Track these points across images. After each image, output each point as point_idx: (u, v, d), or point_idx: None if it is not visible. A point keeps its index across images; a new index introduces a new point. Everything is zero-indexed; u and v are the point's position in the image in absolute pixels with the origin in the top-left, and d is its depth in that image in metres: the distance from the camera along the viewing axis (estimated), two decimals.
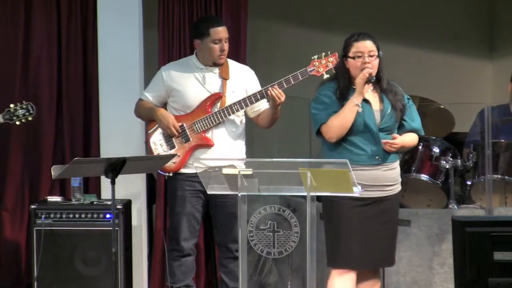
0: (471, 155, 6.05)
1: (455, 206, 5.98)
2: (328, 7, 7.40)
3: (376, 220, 4.76)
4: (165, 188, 6.17)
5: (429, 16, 7.53)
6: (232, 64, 5.51)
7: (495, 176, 5.85)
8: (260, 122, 5.48)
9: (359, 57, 4.75)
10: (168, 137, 5.41)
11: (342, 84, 4.80)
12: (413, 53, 7.44)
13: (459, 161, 6.02)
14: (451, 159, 6.01)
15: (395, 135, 4.78)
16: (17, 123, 5.41)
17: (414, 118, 4.88)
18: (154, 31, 6.26)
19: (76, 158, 4.90)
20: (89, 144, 6.23)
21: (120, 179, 4.94)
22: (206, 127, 5.36)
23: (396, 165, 4.86)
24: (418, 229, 5.78)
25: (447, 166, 6.00)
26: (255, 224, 4.51)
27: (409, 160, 6.08)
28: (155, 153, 5.41)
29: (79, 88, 6.24)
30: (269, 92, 5.20)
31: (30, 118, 5.41)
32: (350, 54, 4.77)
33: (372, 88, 4.82)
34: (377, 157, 4.73)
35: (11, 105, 5.39)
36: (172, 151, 5.36)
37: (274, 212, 4.51)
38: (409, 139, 4.88)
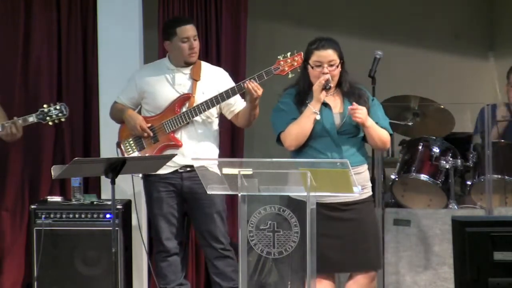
0: (471, 155, 6.05)
1: (455, 206, 5.98)
2: (328, 7, 7.40)
3: (345, 224, 4.72)
4: None
5: (429, 16, 7.52)
6: (205, 65, 5.53)
7: (495, 176, 5.85)
8: (239, 121, 5.48)
9: (318, 66, 4.75)
10: (138, 138, 5.44)
11: (302, 89, 4.81)
12: (413, 53, 7.43)
13: (459, 161, 6.02)
14: (451, 159, 6.01)
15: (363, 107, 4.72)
16: (50, 123, 5.39)
17: (379, 117, 4.82)
18: (154, 31, 6.26)
19: (76, 158, 4.90)
20: (89, 144, 6.23)
21: (120, 179, 4.94)
22: (174, 127, 5.38)
23: (363, 169, 4.80)
24: (418, 229, 5.79)
25: (447, 166, 6.00)
26: (255, 224, 4.51)
27: (409, 160, 6.08)
28: (126, 155, 5.43)
29: (79, 88, 6.24)
30: (245, 85, 5.19)
31: (63, 119, 5.39)
32: (310, 62, 4.77)
33: (333, 91, 4.81)
34: (338, 164, 4.64)
35: (45, 105, 5.37)
36: (142, 152, 5.39)
37: (274, 212, 4.51)
38: (379, 128, 4.79)
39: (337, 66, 4.76)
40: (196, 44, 5.45)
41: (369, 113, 4.77)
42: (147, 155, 5.39)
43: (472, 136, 6.31)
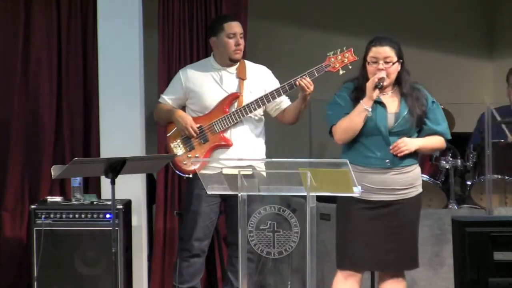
0: (471, 155, 6.05)
1: (455, 206, 5.98)
2: (328, 7, 7.40)
3: (384, 223, 4.75)
4: (165, 188, 6.18)
5: (429, 16, 7.52)
6: (249, 64, 5.53)
7: (495, 176, 5.85)
8: (286, 118, 5.46)
9: (375, 62, 4.75)
10: (187, 139, 5.42)
11: (359, 85, 4.81)
12: (413, 53, 7.41)
13: (459, 161, 6.02)
14: (451, 159, 6.01)
15: (404, 138, 4.75)
16: None
17: (438, 121, 4.85)
18: (154, 31, 6.26)
19: (76, 158, 4.90)
20: (89, 144, 6.23)
21: (120, 179, 4.94)
22: (224, 127, 5.36)
23: (411, 168, 4.81)
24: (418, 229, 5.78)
25: (447, 166, 6.00)
26: (255, 224, 4.51)
27: None
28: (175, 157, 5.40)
29: (79, 88, 6.23)
30: (297, 82, 5.17)
31: None
32: (368, 59, 4.78)
33: (391, 91, 4.81)
34: (387, 161, 4.72)
35: None
36: (191, 153, 5.37)
37: (274, 212, 4.51)
38: (430, 141, 4.84)
39: (393, 64, 4.75)
40: (242, 41, 5.45)
41: (427, 116, 4.80)
42: (196, 155, 5.36)
43: (471, 140, 6.30)
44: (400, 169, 4.75)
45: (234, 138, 5.38)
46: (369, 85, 4.71)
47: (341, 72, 5.17)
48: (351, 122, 4.75)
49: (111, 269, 5.25)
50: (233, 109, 5.37)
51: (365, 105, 4.72)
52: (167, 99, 5.52)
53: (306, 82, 5.17)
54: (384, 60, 4.75)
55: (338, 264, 4.82)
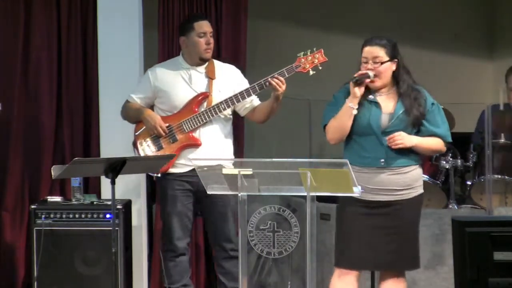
0: (471, 155, 6.05)
1: (455, 206, 5.98)
2: (328, 7, 7.40)
3: (383, 223, 4.74)
4: None
5: (429, 16, 7.52)
6: (218, 63, 5.53)
7: (495, 176, 5.85)
8: (257, 117, 5.48)
9: (365, 62, 4.77)
10: (156, 138, 5.42)
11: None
12: (413, 53, 7.42)
13: (459, 161, 6.02)
14: (451, 159, 6.01)
15: (401, 132, 4.74)
16: None
17: (437, 124, 4.83)
18: (154, 31, 6.26)
19: (76, 158, 4.90)
20: (89, 144, 6.23)
21: (120, 179, 4.94)
22: (193, 127, 5.37)
23: (409, 169, 4.78)
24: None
25: (447, 166, 6.00)
26: (255, 224, 4.51)
27: None
28: (142, 154, 5.41)
29: (79, 88, 6.23)
30: (270, 81, 5.18)
31: None
32: (361, 59, 4.79)
33: (388, 91, 4.81)
34: (381, 161, 4.72)
35: None
36: (160, 152, 5.37)
37: (274, 212, 4.51)
38: (428, 141, 4.81)
39: (383, 63, 4.75)
40: (212, 40, 5.46)
41: (425, 118, 4.78)
42: (163, 154, 5.36)
43: (472, 139, 6.30)
44: (396, 169, 4.74)
45: (203, 137, 5.39)
46: (351, 82, 4.74)
47: (311, 72, 5.18)
48: (338, 121, 4.76)
49: (111, 269, 5.25)
50: (202, 109, 5.37)
51: (349, 103, 4.73)
52: (136, 98, 5.51)
53: (278, 82, 5.18)
54: (373, 60, 4.75)
55: (336, 262, 4.82)
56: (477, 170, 6.01)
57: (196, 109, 5.38)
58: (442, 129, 4.85)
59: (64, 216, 5.69)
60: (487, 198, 5.83)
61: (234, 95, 5.31)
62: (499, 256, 3.71)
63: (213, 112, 5.34)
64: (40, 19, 6.18)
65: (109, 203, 5.07)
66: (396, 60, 4.79)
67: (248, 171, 4.52)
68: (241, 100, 5.32)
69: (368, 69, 4.75)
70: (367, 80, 4.73)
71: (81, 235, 5.67)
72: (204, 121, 5.36)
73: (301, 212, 4.51)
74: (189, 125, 5.37)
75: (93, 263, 5.67)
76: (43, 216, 5.67)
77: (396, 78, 4.81)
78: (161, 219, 5.60)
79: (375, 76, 4.75)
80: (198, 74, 5.45)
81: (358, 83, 4.72)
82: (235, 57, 6.22)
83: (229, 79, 5.47)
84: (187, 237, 5.49)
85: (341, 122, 4.76)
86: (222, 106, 5.33)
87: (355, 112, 4.72)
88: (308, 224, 4.37)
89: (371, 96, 4.79)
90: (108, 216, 5.64)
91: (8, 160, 6.18)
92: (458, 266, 3.78)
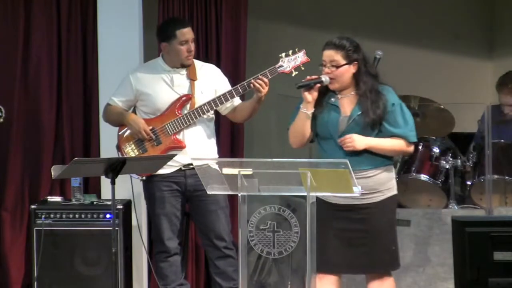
0: (471, 155, 6.05)
1: (455, 206, 5.98)
2: (328, 7, 7.40)
3: (352, 227, 4.69)
4: None
5: (429, 16, 7.52)
6: (198, 64, 5.51)
7: (495, 176, 5.85)
8: (237, 116, 5.48)
9: (324, 66, 4.76)
10: (140, 141, 5.42)
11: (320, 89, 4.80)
12: (413, 53, 7.43)
13: (459, 161, 6.02)
14: (451, 159, 6.01)
15: (353, 134, 4.69)
16: None
17: (397, 124, 4.75)
18: (154, 31, 6.25)
19: (76, 158, 4.90)
20: (89, 144, 6.23)
21: (120, 179, 4.94)
22: (177, 129, 5.37)
23: (372, 173, 4.72)
24: (418, 229, 5.78)
25: (447, 166, 6.00)
26: (255, 224, 4.50)
27: (409, 160, 6.08)
28: None
29: (79, 88, 6.24)
30: (253, 82, 5.17)
31: (1, 120, 5.37)
32: (322, 62, 4.79)
33: (348, 93, 4.79)
34: (342, 166, 4.57)
35: None
36: (144, 155, 5.37)
37: (274, 212, 4.50)
38: (385, 142, 4.73)
39: (339, 67, 4.74)
40: (193, 47, 5.44)
41: (386, 119, 4.72)
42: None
43: (474, 139, 6.31)
44: (358, 173, 4.60)
45: (187, 139, 5.38)
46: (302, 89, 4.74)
47: (294, 73, 5.17)
48: (295, 126, 4.79)
49: (111, 269, 5.25)
50: (185, 111, 5.37)
51: (303, 108, 4.74)
52: (117, 101, 5.49)
53: (262, 83, 5.18)
54: (330, 64, 4.74)
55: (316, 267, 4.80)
56: (477, 170, 6.01)
57: (179, 112, 5.38)
58: (403, 129, 4.75)
59: (64, 216, 5.69)
60: (487, 198, 5.84)
61: (217, 97, 5.30)
62: (499, 256, 3.71)
63: (196, 115, 5.34)
64: (40, 19, 6.18)
65: (109, 203, 5.07)
66: (356, 62, 4.77)
67: (248, 171, 4.52)
68: (224, 102, 5.31)
69: (326, 73, 4.73)
70: (318, 85, 4.71)
71: (81, 235, 5.67)
72: (188, 123, 5.36)
73: (301, 212, 4.51)
74: (172, 127, 5.37)
75: (93, 263, 5.67)
76: (43, 216, 5.67)
77: (356, 80, 4.79)
78: (152, 221, 5.59)
79: (331, 79, 4.74)
80: (179, 76, 5.44)
81: (307, 88, 4.71)
82: (235, 58, 6.22)
83: (210, 80, 5.46)
84: (178, 237, 5.49)
85: (297, 127, 4.78)
86: (206, 108, 5.32)
87: (309, 117, 4.73)
88: (308, 224, 4.37)
89: (332, 99, 4.78)
90: (108, 216, 5.64)
91: (8, 160, 6.18)
92: (458, 266, 3.78)
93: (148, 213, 5.81)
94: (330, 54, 4.76)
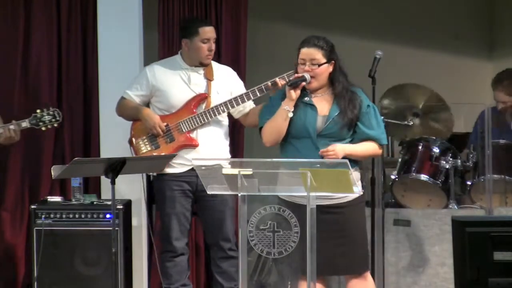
0: (471, 155, 6.05)
1: (455, 206, 5.97)
2: (328, 7, 7.40)
3: (326, 227, 4.66)
4: None
5: (429, 16, 7.52)
6: (215, 65, 5.53)
7: (495, 176, 5.85)
8: (249, 121, 5.49)
9: (303, 64, 4.77)
10: (153, 137, 5.42)
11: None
12: (413, 53, 7.43)
13: (459, 161, 6.02)
14: (451, 159, 6.00)
15: (335, 144, 4.71)
16: (43, 128, 5.40)
17: (371, 126, 4.78)
18: (154, 31, 6.26)
19: (76, 158, 4.90)
20: (89, 144, 6.23)
21: (120, 179, 4.94)
22: (191, 127, 5.37)
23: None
24: (418, 229, 5.78)
25: (447, 166, 6.00)
26: (255, 224, 4.50)
27: (409, 160, 6.07)
28: (139, 153, 5.42)
29: (79, 88, 6.24)
30: (275, 82, 5.17)
31: (55, 125, 5.41)
32: (298, 60, 4.79)
33: (324, 93, 4.79)
34: (317, 166, 4.56)
35: (38, 110, 5.38)
36: (157, 151, 5.37)
37: (274, 212, 4.50)
38: (361, 148, 4.77)
39: (320, 65, 4.74)
40: (214, 47, 5.46)
41: (360, 120, 4.74)
42: (163, 154, 5.37)
43: (469, 140, 6.31)
44: None
45: (201, 138, 5.39)
46: (287, 86, 4.74)
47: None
48: (274, 124, 4.77)
49: (111, 269, 5.25)
50: (201, 110, 5.38)
51: (285, 106, 4.73)
52: (133, 95, 5.50)
53: (280, 88, 5.15)
54: (311, 62, 4.75)
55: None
56: (477, 170, 6.01)
57: (195, 110, 5.39)
58: (376, 131, 4.80)
59: (64, 216, 5.69)
60: (487, 198, 5.83)
61: (234, 98, 5.32)
62: (499, 256, 3.71)
63: (211, 114, 5.35)
64: (40, 18, 6.19)
65: (109, 203, 5.07)
66: (333, 62, 4.77)
67: (248, 171, 4.52)
68: (240, 103, 5.33)
69: (306, 71, 4.74)
70: (303, 83, 4.73)
71: (81, 235, 5.67)
72: (203, 122, 5.36)
73: (301, 212, 4.50)
74: (187, 125, 5.37)
75: (93, 263, 5.67)
76: (43, 216, 5.67)
77: (332, 79, 4.79)
78: (160, 220, 5.59)
79: (312, 77, 4.75)
80: (197, 75, 5.45)
81: (294, 86, 4.72)
82: (235, 57, 6.22)
83: (226, 81, 5.48)
84: (185, 237, 5.50)
85: (276, 125, 4.77)
86: (221, 108, 5.33)
87: (290, 115, 4.73)
88: (308, 224, 4.37)
89: (307, 98, 4.79)
90: (108, 216, 5.64)
91: (8, 160, 6.18)
92: (458, 266, 3.78)
93: (149, 213, 5.81)
94: (310, 52, 4.77)
